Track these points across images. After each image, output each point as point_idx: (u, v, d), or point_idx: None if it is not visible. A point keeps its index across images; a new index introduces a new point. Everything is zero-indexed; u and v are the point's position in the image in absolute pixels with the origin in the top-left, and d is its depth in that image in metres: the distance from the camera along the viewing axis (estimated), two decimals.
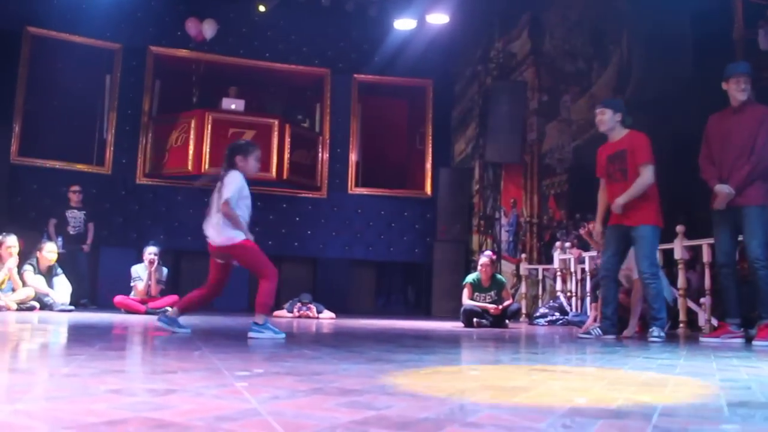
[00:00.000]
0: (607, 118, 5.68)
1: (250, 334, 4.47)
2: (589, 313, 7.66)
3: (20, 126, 10.63)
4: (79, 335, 4.57)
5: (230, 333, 5.07)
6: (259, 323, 4.51)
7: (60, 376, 2.23)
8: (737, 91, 5.21)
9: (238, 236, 4.55)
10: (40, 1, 10.72)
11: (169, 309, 4.69)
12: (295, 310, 9.09)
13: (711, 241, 5.94)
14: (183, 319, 4.86)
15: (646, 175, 5.41)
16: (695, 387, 2.34)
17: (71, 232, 9.70)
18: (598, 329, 5.61)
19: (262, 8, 11.65)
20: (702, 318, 6.52)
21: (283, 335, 4.49)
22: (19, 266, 8.05)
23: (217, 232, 4.57)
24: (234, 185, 4.56)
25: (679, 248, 6.53)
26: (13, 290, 7.89)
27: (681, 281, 6.54)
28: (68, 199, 9.84)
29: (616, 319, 5.68)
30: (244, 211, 4.62)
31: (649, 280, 5.41)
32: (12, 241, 7.97)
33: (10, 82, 10.50)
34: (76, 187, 9.90)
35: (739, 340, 5.15)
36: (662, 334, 5.24)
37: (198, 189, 11.44)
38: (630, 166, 5.49)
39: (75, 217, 9.77)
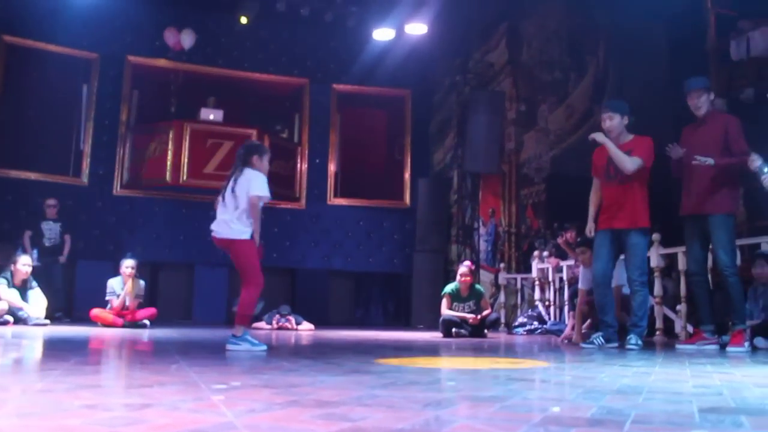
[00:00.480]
0: (615, 124, 5.58)
1: (228, 346, 4.47)
2: (567, 321, 7.72)
3: None
4: (54, 350, 4.52)
5: (208, 345, 5.04)
6: (237, 335, 4.50)
7: (33, 391, 2.21)
8: (693, 107, 5.38)
9: (245, 234, 4.62)
10: (17, 9, 10.59)
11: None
12: (274, 321, 9.05)
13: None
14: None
15: (634, 160, 5.38)
16: (669, 394, 2.37)
17: (47, 244, 9.56)
18: (600, 338, 5.54)
19: (243, 20, 11.63)
20: (678, 325, 6.59)
21: (264, 347, 4.47)
22: None
23: (227, 227, 4.63)
24: (263, 181, 4.67)
25: (655, 256, 6.60)
26: None
27: (657, 289, 6.61)
28: (44, 212, 9.71)
29: (618, 326, 5.63)
30: (258, 211, 4.71)
31: (638, 288, 5.42)
32: None
33: None
34: (52, 201, 9.75)
35: (714, 347, 5.21)
36: (639, 342, 5.28)
37: (175, 201, 11.43)
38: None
39: (50, 229, 9.64)
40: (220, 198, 4.73)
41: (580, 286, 6.74)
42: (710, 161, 5.07)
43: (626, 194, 5.49)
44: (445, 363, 4.17)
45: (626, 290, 5.82)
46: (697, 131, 5.38)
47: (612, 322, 5.58)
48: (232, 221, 4.62)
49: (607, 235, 5.57)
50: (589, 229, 5.83)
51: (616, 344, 5.46)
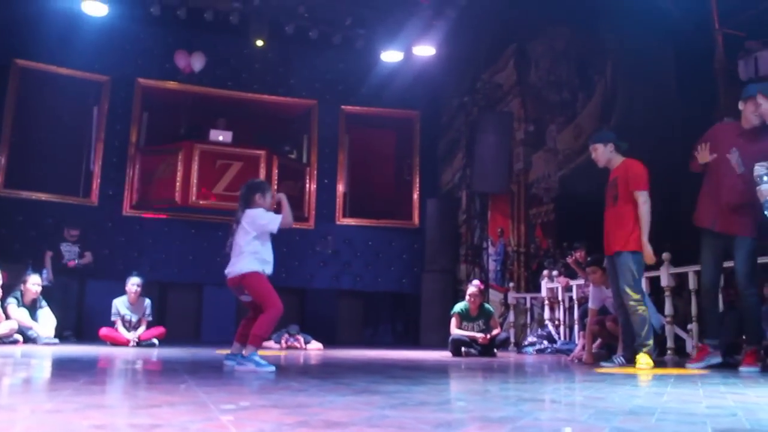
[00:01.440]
0: (599, 153, 5.73)
1: (236, 367, 4.49)
2: (577, 341, 7.67)
3: (6, 157, 10.60)
4: (62, 369, 4.52)
5: (216, 365, 5.02)
6: (244, 355, 4.51)
7: (42, 411, 2.21)
8: (752, 113, 5.13)
9: (253, 266, 4.74)
10: (29, 33, 10.74)
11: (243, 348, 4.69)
12: (283, 341, 9.03)
13: (697, 268, 5.97)
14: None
15: (642, 202, 5.37)
16: (682, 415, 2.34)
17: (68, 266, 9.68)
18: (621, 358, 5.54)
19: (260, 42, 11.66)
20: (689, 344, 6.53)
21: (272, 368, 4.44)
22: (3, 299, 7.97)
23: (234, 266, 4.77)
24: (265, 215, 4.85)
25: (665, 275, 6.56)
26: None
27: (668, 308, 6.57)
28: (63, 234, 9.79)
29: None
30: (267, 248, 4.87)
31: (633, 307, 5.37)
32: None
33: None
34: (74, 231, 9.79)
35: (717, 360, 5.19)
36: (650, 360, 5.22)
37: (184, 221, 11.47)
38: (621, 192, 5.48)
39: (69, 250, 9.74)
40: (230, 242, 4.87)
41: (590, 305, 6.70)
42: (741, 170, 5.00)
43: (619, 218, 5.49)
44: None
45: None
46: (737, 139, 5.19)
47: (632, 343, 5.53)
48: (239, 260, 4.76)
49: (611, 260, 5.59)
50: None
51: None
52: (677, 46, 8.03)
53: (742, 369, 4.88)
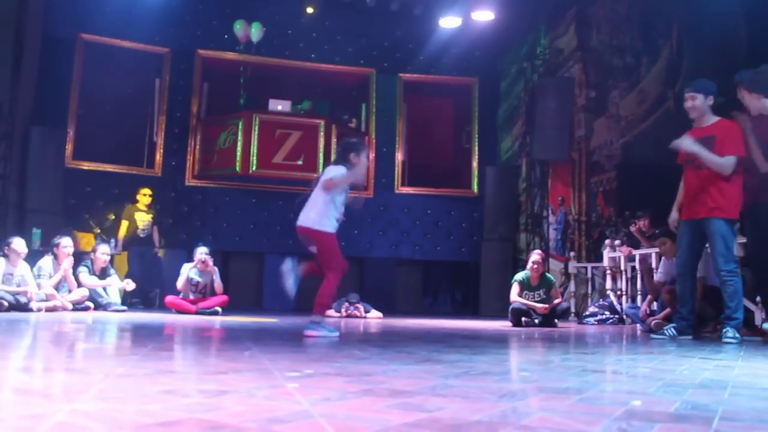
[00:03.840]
0: (698, 104, 5.36)
1: (307, 332, 4.62)
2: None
3: (74, 130, 10.89)
4: (132, 335, 4.66)
5: (279, 333, 5.11)
6: (316, 321, 4.65)
7: (115, 376, 2.28)
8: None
9: (328, 228, 4.85)
10: (93, 8, 10.96)
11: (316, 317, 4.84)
12: (343, 309, 9.12)
13: None
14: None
15: (728, 161, 5.11)
16: (756, 389, 2.27)
17: (141, 236, 10.01)
18: (672, 329, 5.36)
19: (310, 10, 11.68)
20: (758, 317, 6.34)
21: (337, 333, 4.59)
22: (74, 267, 8.26)
23: (313, 216, 4.85)
24: (339, 171, 4.86)
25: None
26: (69, 291, 8.11)
27: None
28: (137, 201, 10.13)
29: (693, 319, 5.42)
30: (339, 207, 4.93)
31: (727, 278, 5.08)
32: (67, 242, 8.19)
33: (64, 87, 10.78)
34: (146, 191, 10.17)
35: None
36: (737, 335, 4.97)
37: (245, 190, 11.64)
38: (716, 154, 5.18)
39: (144, 220, 10.06)
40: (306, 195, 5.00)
41: (657, 278, 6.56)
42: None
43: (709, 182, 5.20)
44: None
45: (712, 281, 5.53)
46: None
47: (687, 315, 5.35)
48: (313, 212, 4.85)
49: (688, 226, 5.34)
50: (672, 219, 5.61)
51: (689, 337, 5.28)
52: (748, 7, 7.69)
53: None
